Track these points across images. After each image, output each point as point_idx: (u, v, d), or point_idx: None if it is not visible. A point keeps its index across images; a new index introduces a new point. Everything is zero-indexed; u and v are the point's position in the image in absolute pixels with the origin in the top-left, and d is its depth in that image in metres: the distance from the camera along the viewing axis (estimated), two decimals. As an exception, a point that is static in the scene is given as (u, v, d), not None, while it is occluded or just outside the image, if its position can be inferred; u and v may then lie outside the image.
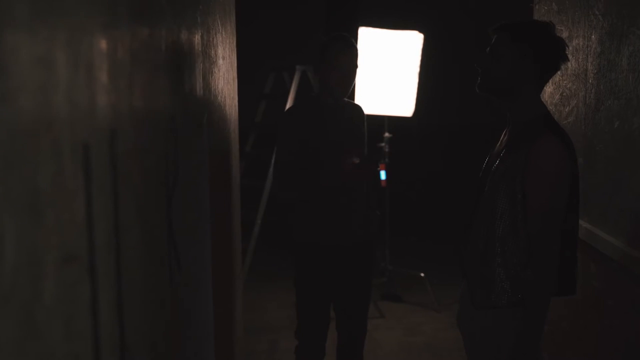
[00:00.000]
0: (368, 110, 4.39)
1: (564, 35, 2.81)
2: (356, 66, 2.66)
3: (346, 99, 2.78)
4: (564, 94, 2.86)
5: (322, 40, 2.68)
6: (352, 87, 2.70)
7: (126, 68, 0.93)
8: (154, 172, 1.11)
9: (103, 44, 0.84)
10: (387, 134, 4.72)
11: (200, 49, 1.70)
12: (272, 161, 2.82)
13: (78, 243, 0.73)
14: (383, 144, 4.70)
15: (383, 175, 4.69)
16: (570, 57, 2.46)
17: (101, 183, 0.81)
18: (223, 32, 2.39)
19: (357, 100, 4.59)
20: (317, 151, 2.63)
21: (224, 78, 2.41)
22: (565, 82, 2.84)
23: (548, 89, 3.01)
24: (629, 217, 2.27)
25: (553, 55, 1.95)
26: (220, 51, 2.30)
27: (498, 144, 2.10)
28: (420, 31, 4.68)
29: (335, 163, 2.59)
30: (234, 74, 2.79)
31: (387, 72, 4.56)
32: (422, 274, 4.81)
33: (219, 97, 2.26)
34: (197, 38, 1.65)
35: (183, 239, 1.41)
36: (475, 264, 2.02)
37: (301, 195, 2.73)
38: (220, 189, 2.34)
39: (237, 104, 2.93)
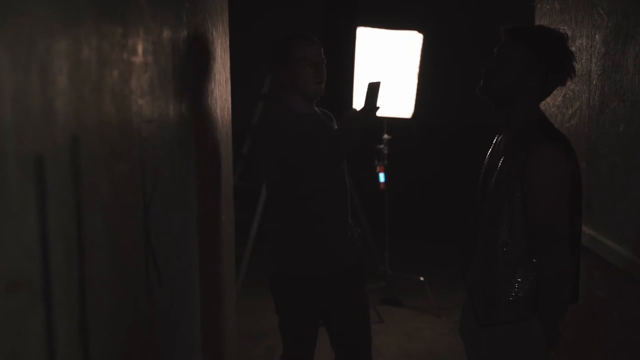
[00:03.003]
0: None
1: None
2: (324, 60, 2.38)
3: (316, 108, 2.47)
4: (567, 95, 2.79)
5: (278, 42, 2.38)
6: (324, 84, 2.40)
7: (92, 70, 0.85)
8: (127, 181, 1.03)
9: (64, 44, 0.76)
10: (386, 136, 4.65)
11: (185, 49, 1.62)
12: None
13: (27, 266, 0.65)
14: (382, 146, 4.63)
15: (382, 177, 4.62)
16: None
17: (59, 197, 0.73)
18: (214, 32, 2.31)
19: (356, 101, 4.52)
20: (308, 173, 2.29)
21: (215, 79, 2.33)
22: (568, 83, 2.76)
23: (550, 90, 2.94)
24: (634, 223, 2.20)
25: (564, 71, 1.87)
26: (210, 51, 2.22)
27: (492, 151, 2.01)
28: (419, 31, 4.61)
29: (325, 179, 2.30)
30: (226, 75, 2.70)
31: (386, 73, 4.48)
32: (422, 278, 4.74)
33: (208, 99, 2.18)
34: (181, 38, 1.57)
35: (164, 250, 1.34)
36: (478, 279, 1.95)
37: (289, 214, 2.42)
38: (210, 194, 2.27)
39: (230, 105, 2.85)
